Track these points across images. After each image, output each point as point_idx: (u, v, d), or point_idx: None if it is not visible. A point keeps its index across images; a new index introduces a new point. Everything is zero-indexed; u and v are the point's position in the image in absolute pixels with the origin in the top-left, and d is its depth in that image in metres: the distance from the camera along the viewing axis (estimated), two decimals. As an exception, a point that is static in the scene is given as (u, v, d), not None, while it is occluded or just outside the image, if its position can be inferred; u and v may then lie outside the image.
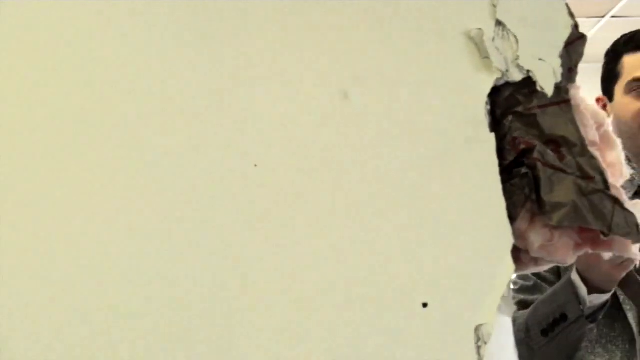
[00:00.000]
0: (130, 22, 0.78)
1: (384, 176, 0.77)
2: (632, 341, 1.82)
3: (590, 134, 0.79)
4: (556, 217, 0.77)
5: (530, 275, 1.98)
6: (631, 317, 1.81)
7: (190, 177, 0.76)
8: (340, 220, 0.77)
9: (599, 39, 5.27)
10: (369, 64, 0.79)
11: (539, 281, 1.96)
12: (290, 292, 0.75)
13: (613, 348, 1.83)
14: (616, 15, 4.83)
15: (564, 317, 1.75)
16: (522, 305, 1.95)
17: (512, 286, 2.03)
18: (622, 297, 1.80)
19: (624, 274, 1.68)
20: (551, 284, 1.90)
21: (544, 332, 1.79)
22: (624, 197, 0.79)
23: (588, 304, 1.73)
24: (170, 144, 0.77)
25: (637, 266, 1.85)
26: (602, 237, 0.79)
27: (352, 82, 0.79)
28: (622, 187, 1.50)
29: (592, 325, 1.77)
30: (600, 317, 1.79)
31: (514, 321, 1.89)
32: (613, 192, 0.78)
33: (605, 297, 1.74)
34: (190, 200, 0.76)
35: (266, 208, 0.77)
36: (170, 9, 0.79)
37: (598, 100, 2.02)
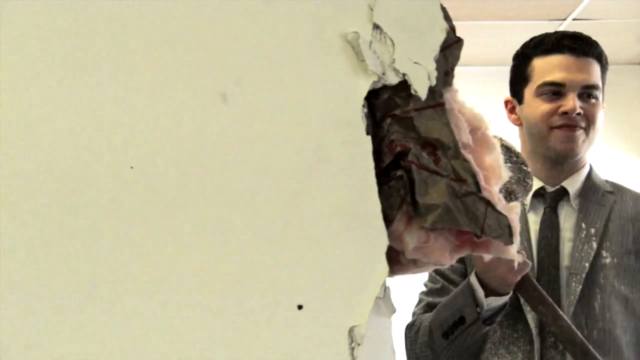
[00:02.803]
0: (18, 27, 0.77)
1: (259, 178, 0.77)
2: (532, 342, 1.85)
3: (464, 137, 0.80)
4: (430, 219, 0.78)
5: (438, 278, 2.00)
6: (530, 318, 1.85)
7: (65, 179, 0.75)
8: (215, 220, 0.76)
9: (563, 41, 5.36)
10: (247, 66, 0.79)
11: (446, 284, 1.98)
12: (160, 292, 0.74)
13: (515, 349, 1.86)
14: (577, 17, 4.90)
15: (462, 319, 1.78)
16: (430, 307, 1.97)
17: (423, 288, 2.05)
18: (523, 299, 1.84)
19: (519, 277, 1.71)
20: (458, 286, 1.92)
21: (445, 335, 1.81)
22: (496, 199, 0.80)
23: (485, 307, 1.76)
24: (46, 143, 0.76)
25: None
26: (475, 239, 0.80)
27: (230, 84, 0.78)
28: (509, 189, 1.53)
29: (488, 328, 1.79)
30: (498, 319, 1.82)
31: (421, 324, 1.91)
32: (485, 194, 0.79)
33: (503, 300, 1.77)
34: (65, 202, 0.75)
35: (142, 209, 0.76)
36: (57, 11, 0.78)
37: (507, 102, 2.05)
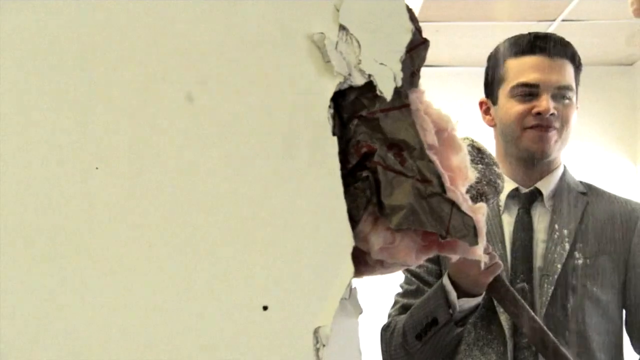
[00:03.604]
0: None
1: (224, 178, 0.77)
2: (506, 344, 1.86)
3: (429, 138, 0.80)
4: (395, 220, 0.78)
5: (413, 279, 2.01)
6: (504, 320, 1.85)
7: (28, 179, 0.75)
8: (180, 221, 0.76)
9: (553, 42, 5.38)
10: (213, 67, 0.79)
11: (421, 285, 1.99)
12: (126, 292, 0.74)
13: (489, 350, 1.86)
14: (567, 18, 4.92)
15: (435, 321, 1.78)
16: (405, 309, 1.98)
17: (399, 290, 2.05)
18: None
19: (491, 279, 1.71)
20: (434, 288, 1.92)
21: (418, 337, 1.81)
22: (461, 200, 0.80)
23: (458, 308, 1.76)
24: (7, 144, 0.75)
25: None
26: (440, 239, 0.80)
27: (196, 85, 0.78)
28: (480, 191, 1.54)
29: (460, 330, 1.79)
30: (470, 321, 1.82)
31: (395, 325, 1.91)
32: (450, 195, 0.80)
33: (475, 301, 1.77)
34: (28, 204, 0.75)
35: (106, 210, 0.76)
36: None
37: (481, 103, 2.05)
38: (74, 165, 0.76)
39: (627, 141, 5.84)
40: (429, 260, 1.96)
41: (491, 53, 2.03)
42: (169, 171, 0.77)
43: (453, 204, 0.79)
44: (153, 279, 0.75)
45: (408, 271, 2.02)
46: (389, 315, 2.02)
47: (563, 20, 4.93)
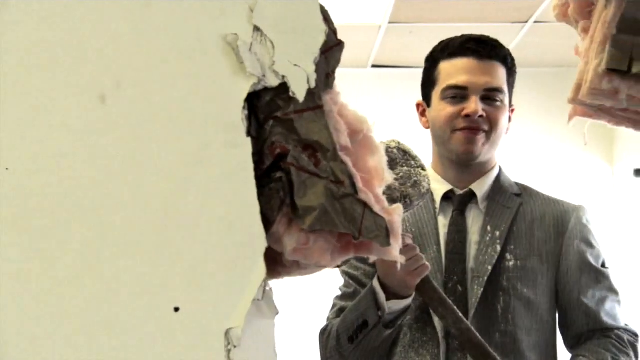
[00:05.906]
0: None
1: (137, 179, 0.77)
2: (440, 345, 1.86)
3: (342, 139, 0.81)
4: (308, 221, 0.78)
5: (351, 282, 2.00)
6: (437, 322, 1.86)
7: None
8: (91, 221, 0.76)
9: (526, 43, 5.20)
10: (126, 68, 0.78)
11: (358, 288, 1.98)
12: (37, 293, 0.74)
13: (424, 352, 1.87)
14: (539, 20, 4.93)
15: (365, 323, 1.78)
16: (342, 312, 1.97)
17: (338, 292, 2.05)
18: (428, 302, 1.85)
19: (418, 280, 1.72)
20: (371, 291, 1.92)
21: (350, 339, 1.81)
22: (373, 201, 0.81)
23: (387, 310, 1.76)
24: None
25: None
26: (354, 240, 0.81)
27: (109, 86, 0.78)
28: (404, 193, 1.54)
29: (389, 332, 1.79)
30: (406, 323, 1.82)
31: (332, 328, 1.91)
32: (362, 196, 0.80)
33: (405, 303, 1.78)
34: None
35: (17, 212, 0.75)
36: None
37: (418, 105, 2.05)
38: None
39: (602, 142, 5.89)
40: (366, 262, 1.96)
41: (427, 55, 2.03)
42: (80, 171, 0.76)
43: (365, 205, 0.80)
44: (62, 280, 0.74)
45: (346, 274, 2.02)
46: (327, 319, 2.02)
47: (535, 22, 4.95)
